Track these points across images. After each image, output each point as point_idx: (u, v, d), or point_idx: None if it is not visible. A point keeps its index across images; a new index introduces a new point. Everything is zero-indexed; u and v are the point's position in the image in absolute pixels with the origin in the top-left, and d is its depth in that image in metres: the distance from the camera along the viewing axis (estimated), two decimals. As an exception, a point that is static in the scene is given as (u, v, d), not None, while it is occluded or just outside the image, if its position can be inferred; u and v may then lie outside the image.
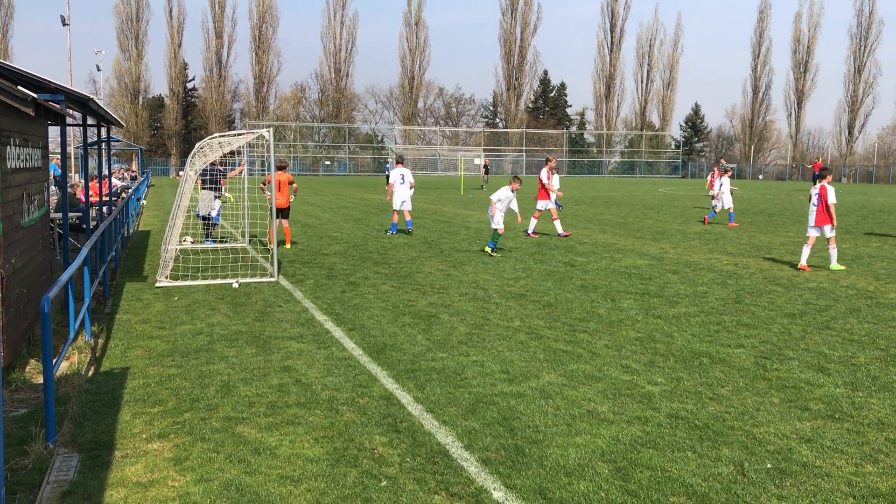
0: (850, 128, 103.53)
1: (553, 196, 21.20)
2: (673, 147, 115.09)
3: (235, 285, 12.68)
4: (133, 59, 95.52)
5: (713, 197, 27.35)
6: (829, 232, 14.68)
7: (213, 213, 18.45)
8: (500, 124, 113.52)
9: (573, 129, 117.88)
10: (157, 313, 10.56)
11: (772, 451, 5.68)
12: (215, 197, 18.30)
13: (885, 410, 6.58)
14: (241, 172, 18.30)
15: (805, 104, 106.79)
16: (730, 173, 26.10)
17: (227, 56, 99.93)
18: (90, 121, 14.60)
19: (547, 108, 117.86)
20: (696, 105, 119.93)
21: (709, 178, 29.67)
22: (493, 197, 16.86)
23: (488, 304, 11.21)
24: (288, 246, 17.58)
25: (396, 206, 20.70)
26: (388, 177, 32.07)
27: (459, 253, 16.92)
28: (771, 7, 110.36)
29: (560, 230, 20.64)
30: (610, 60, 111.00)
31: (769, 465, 5.41)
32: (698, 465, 5.41)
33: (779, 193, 50.67)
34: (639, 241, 19.43)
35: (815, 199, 14.82)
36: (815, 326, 9.81)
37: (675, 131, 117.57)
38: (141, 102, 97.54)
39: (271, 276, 13.42)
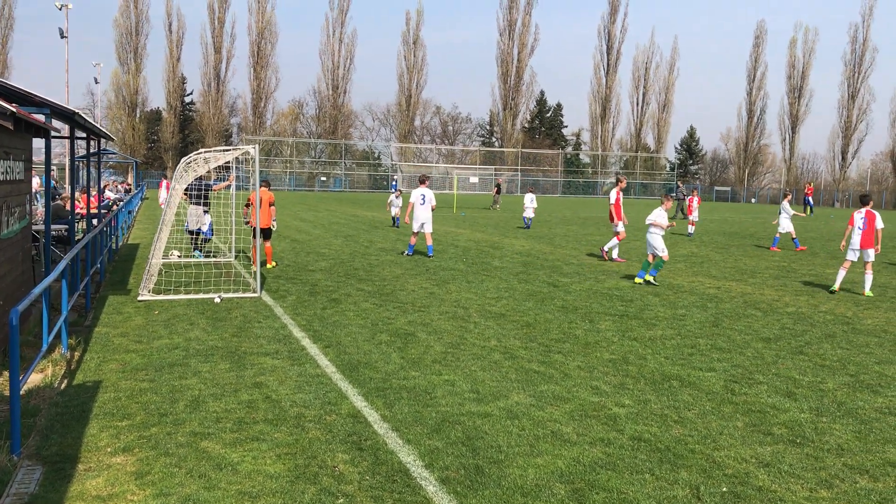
0: (844, 153, 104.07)
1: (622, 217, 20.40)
2: (668, 169, 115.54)
3: (217, 300, 12.73)
4: (131, 73, 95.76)
5: (691, 223, 27.91)
6: (870, 256, 15.04)
7: (205, 228, 18.50)
8: (496, 143, 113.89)
9: (569, 149, 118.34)
10: (136, 327, 10.60)
11: (729, 474, 5.74)
12: (205, 212, 18.36)
13: (846, 436, 6.65)
14: (228, 186, 18.36)
15: (799, 129, 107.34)
16: (789, 197, 25.91)
17: (226, 71, 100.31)
18: (79, 134, 14.69)
19: (543, 128, 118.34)
20: (692, 128, 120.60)
21: (687, 202, 29.97)
22: (651, 219, 16.07)
23: (467, 323, 11.28)
24: (271, 265, 16.94)
25: (416, 227, 19.85)
26: (393, 195, 32.32)
27: (445, 271, 16.99)
28: (766, 32, 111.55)
29: (615, 254, 20.14)
30: (606, 82, 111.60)
31: (724, 489, 5.47)
32: (654, 488, 5.46)
33: (770, 217, 50.83)
34: (624, 263, 19.52)
35: (861, 224, 15.15)
36: (788, 351, 9.88)
37: (669, 153, 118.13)
38: (138, 115, 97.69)
39: (254, 291, 13.47)
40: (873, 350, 10.08)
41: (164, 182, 42.93)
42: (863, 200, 15.71)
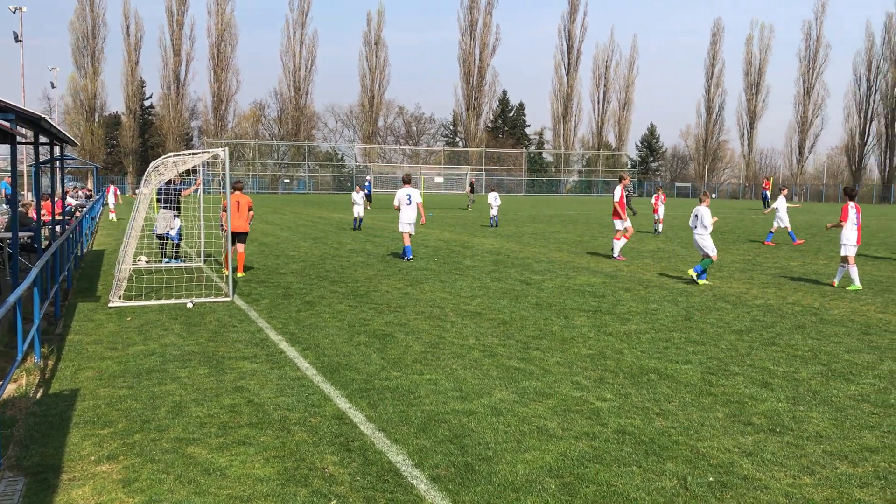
0: (801, 148, 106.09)
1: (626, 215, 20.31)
2: (629, 166, 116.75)
3: (190, 305, 12.60)
4: (89, 77, 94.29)
5: (658, 221, 28.41)
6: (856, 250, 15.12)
7: (173, 232, 18.29)
8: (460, 143, 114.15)
9: (532, 148, 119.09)
10: (110, 334, 10.46)
11: (714, 464, 5.84)
12: (175, 216, 18.16)
13: (823, 424, 6.80)
14: (195, 191, 18.16)
15: (757, 124, 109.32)
16: (785, 192, 26.26)
17: (186, 74, 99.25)
18: (43, 139, 14.45)
19: (506, 128, 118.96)
20: (652, 125, 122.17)
21: (653, 200, 30.37)
22: (698, 221, 15.56)
23: (444, 322, 11.30)
24: (241, 274, 15.96)
25: (403, 228, 19.38)
26: (354, 193, 31.92)
27: (417, 271, 17.00)
28: (724, 30, 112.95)
29: (617, 253, 19.92)
30: (567, 81, 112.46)
31: (711, 479, 5.56)
32: (643, 480, 5.54)
33: (731, 212, 51.63)
34: (593, 259, 19.70)
35: (855, 218, 15.06)
36: (760, 343, 10.06)
37: (631, 151, 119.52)
38: (97, 120, 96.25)
39: (226, 295, 13.36)
40: (842, 339, 10.30)
41: (112, 188, 42.41)
42: (851, 195, 15.43)
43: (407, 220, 19.32)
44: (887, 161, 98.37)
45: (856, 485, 5.50)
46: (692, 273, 15.42)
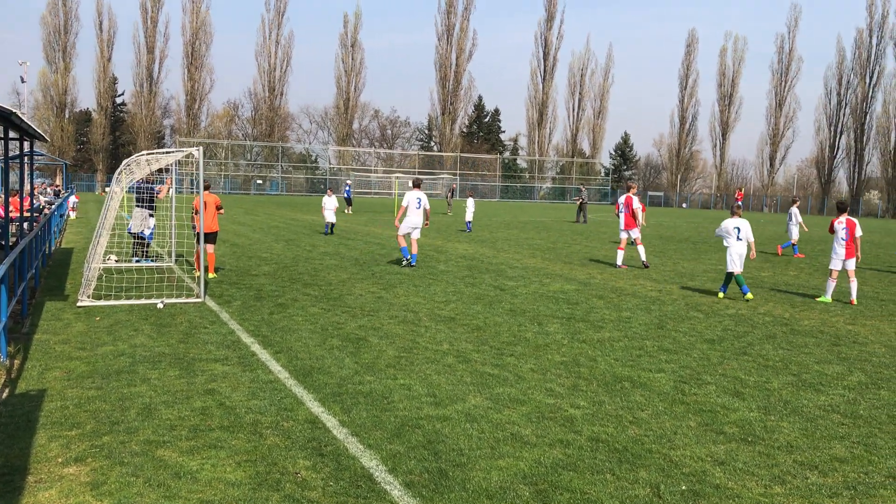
0: (772, 159, 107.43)
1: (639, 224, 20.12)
2: (602, 174, 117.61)
3: (160, 305, 12.45)
4: (60, 72, 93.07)
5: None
6: (852, 265, 14.80)
7: (147, 232, 18.07)
8: (435, 147, 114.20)
9: (506, 154, 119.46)
10: (78, 333, 10.29)
11: (687, 473, 5.86)
12: (150, 215, 17.96)
13: (794, 434, 6.85)
14: (168, 191, 17.96)
15: (729, 135, 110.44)
16: (798, 203, 26.41)
17: (159, 72, 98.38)
18: (12, 134, 14.21)
19: (481, 133, 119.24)
20: (626, 134, 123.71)
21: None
22: (742, 234, 14.90)
23: (418, 327, 11.26)
24: (212, 275, 15.89)
25: (404, 230, 18.85)
26: (326, 196, 31.47)
27: (391, 275, 16.95)
28: (698, 41, 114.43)
29: (620, 261, 19.82)
30: (543, 88, 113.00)
31: (684, 487, 5.58)
32: (616, 488, 5.54)
33: (703, 221, 52.16)
34: (567, 267, 19.77)
35: (843, 234, 14.85)
36: (732, 352, 10.14)
37: (604, 159, 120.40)
38: (67, 116, 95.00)
39: (198, 296, 13.21)
40: (812, 350, 10.42)
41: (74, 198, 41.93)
42: (841, 208, 15.27)
43: (413, 224, 18.83)
44: (855, 174, 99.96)
45: (826, 494, 5.54)
46: (749, 296, 14.62)
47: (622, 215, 19.84)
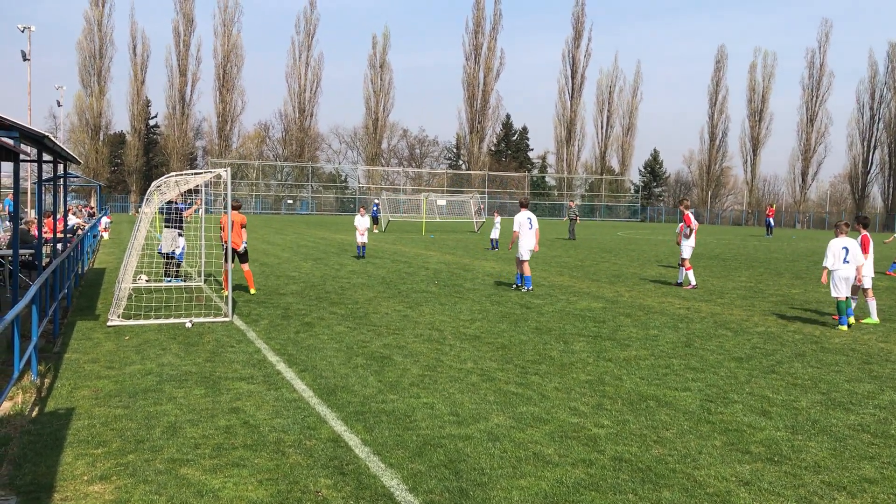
0: (804, 175, 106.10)
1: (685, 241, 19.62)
2: (632, 191, 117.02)
3: (189, 325, 12.58)
4: (95, 95, 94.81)
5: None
6: (869, 282, 14.40)
7: (178, 251, 18.33)
8: (463, 166, 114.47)
9: (535, 172, 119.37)
10: (107, 353, 10.44)
11: (711, 493, 5.78)
12: (179, 234, 18.21)
13: (822, 453, 6.74)
14: (196, 210, 18.21)
15: (760, 151, 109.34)
16: None
17: (191, 94, 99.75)
18: (46, 157, 14.50)
19: (509, 151, 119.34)
20: (655, 150, 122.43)
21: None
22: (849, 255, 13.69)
23: (443, 345, 11.27)
24: (253, 291, 16.55)
25: (523, 255, 18.03)
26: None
27: (417, 294, 16.98)
28: (727, 57, 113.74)
29: (681, 278, 19.42)
30: (571, 106, 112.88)
31: (707, 508, 5.51)
32: (639, 508, 5.49)
33: (734, 238, 51.63)
34: (595, 284, 19.67)
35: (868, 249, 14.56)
36: (760, 370, 10.01)
37: (634, 176, 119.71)
38: (102, 139, 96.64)
39: (225, 315, 13.34)
40: (842, 368, 10.25)
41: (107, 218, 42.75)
42: (863, 222, 14.99)
43: (528, 247, 18.04)
44: (891, 190, 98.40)
45: (854, 516, 5.44)
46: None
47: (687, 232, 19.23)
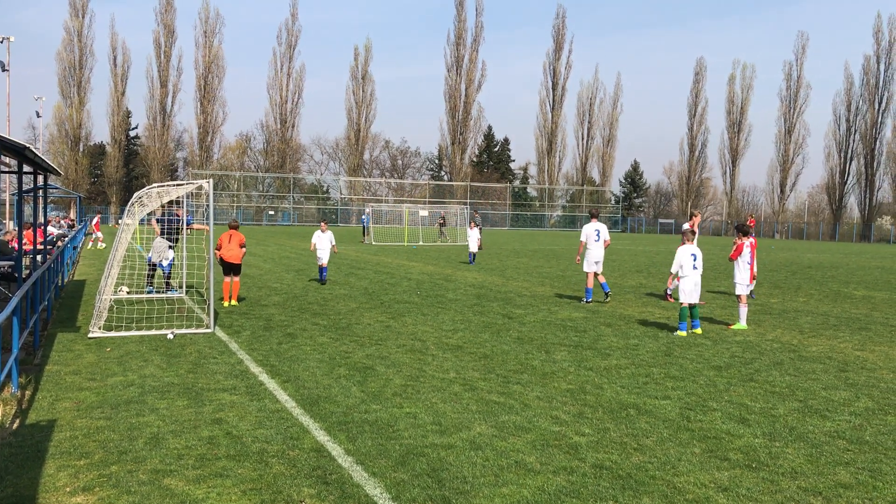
0: (783, 186, 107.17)
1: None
2: (613, 202, 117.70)
3: (170, 336, 12.56)
4: (74, 106, 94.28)
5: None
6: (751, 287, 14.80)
7: (165, 263, 18.29)
8: (445, 177, 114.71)
9: (516, 183, 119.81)
10: (89, 364, 10.40)
11: (690, 499, 5.87)
12: (169, 246, 18.18)
13: (799, 460, 6.85)
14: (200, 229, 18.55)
15: (739, 162, 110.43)
16: None
17: (172, 105, 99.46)
18: (26, 168, 14.43)
19: (491, 162, 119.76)
20: (636, 162, 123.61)
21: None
22: None
23: (425, 355, 11.32)
24: (234, 302, 16.68)
25: (590, 267, 17.77)
26: (319, 232, 26.86)
27: (400, 304, 17.02)
28: (706, 69, 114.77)
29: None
30: (552, 117, 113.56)
31: (686, 514, 5.59)
32: (619, 514, 5.56)
33: (713, 248, 52.04)
34: (576, 295, 19.78)
35: (748, 257, 14.98)
36: (739, 379, 10.14)
37: (614, 187, 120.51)
38: (81, 150, 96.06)
39: (207, 327, 13.32)
40: (819, 376, 10.40)
41: (96, 219, 42.65)
42: (744, 230, 15.09)
43: (595, 259, 17.77)
44: (867, 200, 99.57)
45: (829, 521, 5.54)
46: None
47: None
